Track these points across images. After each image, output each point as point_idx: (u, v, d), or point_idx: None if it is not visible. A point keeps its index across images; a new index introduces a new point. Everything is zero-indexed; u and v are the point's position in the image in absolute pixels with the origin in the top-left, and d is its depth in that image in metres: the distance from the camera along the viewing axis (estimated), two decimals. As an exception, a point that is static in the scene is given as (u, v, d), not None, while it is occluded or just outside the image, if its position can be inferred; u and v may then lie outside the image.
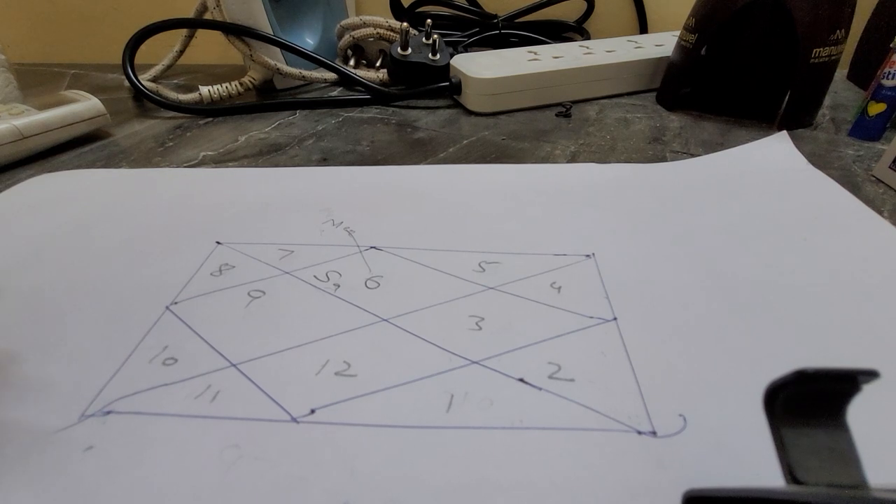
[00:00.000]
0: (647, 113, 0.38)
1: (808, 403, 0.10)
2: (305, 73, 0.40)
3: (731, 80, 0.36)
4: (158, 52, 0.41)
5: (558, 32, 0.51)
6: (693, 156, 0.30)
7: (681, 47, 0.37)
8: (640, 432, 0.14)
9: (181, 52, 0.41)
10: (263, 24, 0.37)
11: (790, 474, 0.09)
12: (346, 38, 0.43)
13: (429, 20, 0.39)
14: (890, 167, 0.27)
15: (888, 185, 0.27)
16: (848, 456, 0.09)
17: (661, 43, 0.42)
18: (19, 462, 0.13)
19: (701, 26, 0.34)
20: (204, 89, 0.37)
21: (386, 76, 0.41)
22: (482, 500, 0.12)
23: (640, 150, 0.31)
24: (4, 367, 0.16)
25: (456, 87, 0.38)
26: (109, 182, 0.27)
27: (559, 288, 0.19)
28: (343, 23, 0.43)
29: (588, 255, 0.21)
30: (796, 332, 0.17)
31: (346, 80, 0.41)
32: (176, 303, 0.18)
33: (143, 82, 0.36)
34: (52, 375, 0.15)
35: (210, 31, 0.37)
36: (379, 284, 0.19)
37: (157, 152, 0.31)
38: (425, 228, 0.23)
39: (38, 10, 0.59)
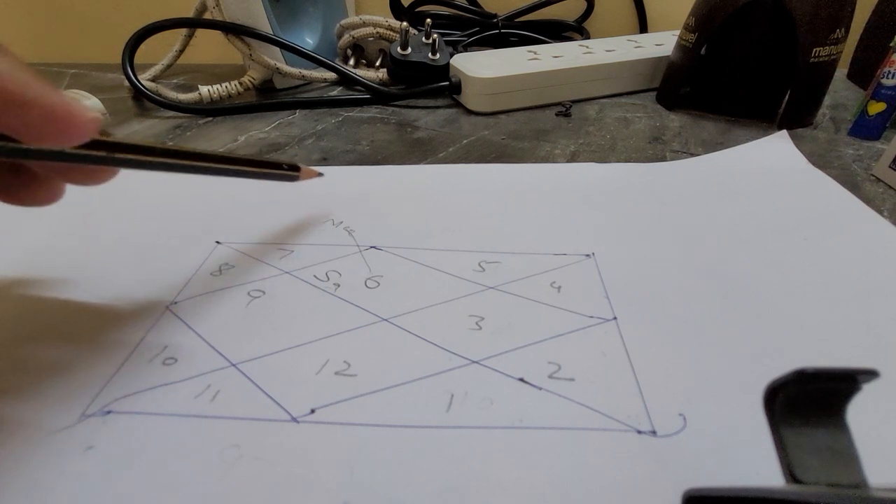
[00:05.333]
0: (646, 112, 0.38)
1: (808, 403, 0.10)
2: (305, 72, 0.40)
3: (731, 80, 0.36)
4: (158, 52, 0.41)
5: (558, 32, 0.51)
6: (693, 155, 0.30)
7: (681, 47, 0.37)
8: (639, 432, 0.14)
9: (181, 51, 0.41)
10: (263, 23, 0.37)
11: (790, 474, 0.09)
12: (346, 37, 0.43)
13: (428, 20, 0.39)
14: (890, 166, 0.27)
15: (888, 185, 0.27)
16: (848, 456, 0.09)
17: (661, 42, 0.42)
18: (20, 462, 0.13)
19: (701, 26, 0.34)
20: (203, 89, 0.37)
21: (386, 76, 0.41)
22: (482, 500, 0.12)
23: (639, 149, 0.31)
24: (4, 368, 0.16)
25: (456, 87, 0.38)
26: (109, 182, 0.27)
27: (559, 287, 0.19)
28: (343, 22, 0.43)
29: (588, 255, 0.21)
30: (796, 332, 0.17)
31: (345, 80, 0.41)
32: (176, 303, 0.18)
33: (142, 82, 0.36)
34: (52, 375, 0.15)
35: (209, 30, 0.37)
36: (379, 284, 0.19)
37: (157, 152, 0.31)
38: (425, 228, 0.23)
39: (38, 10, 0.59)
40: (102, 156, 0.14)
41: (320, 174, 0.23)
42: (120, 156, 0.15)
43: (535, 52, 0.39)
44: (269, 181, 0.21)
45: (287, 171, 0.21)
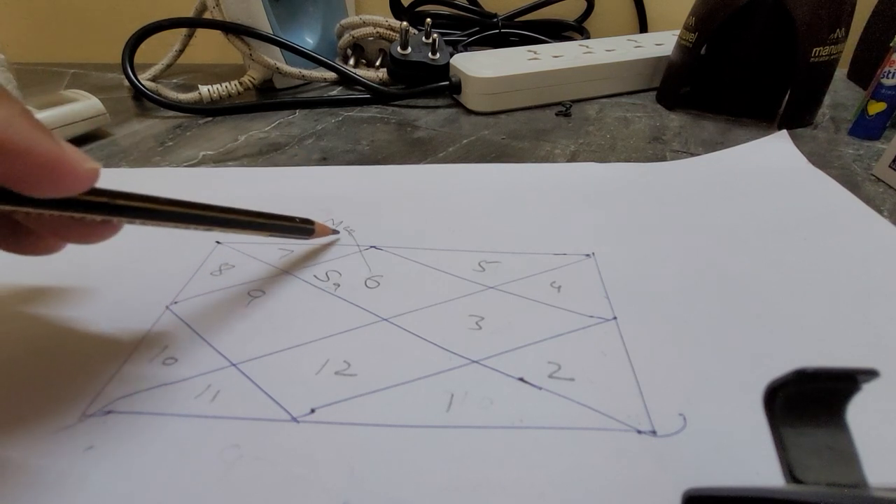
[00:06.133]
0: (646, 112, 0.38)
1: (808, 403, 0.10)
2: (305, 72, 0.40)
3: (731, 80, 0.36)
4: (158, 52, 0.41)
5: (558, 32, 0.51)
6: (693, 155, 0.30)
7: (681, 46, 0.37)
8: (639, 432, 0.14)
9: (181, 51, 0.41)
10: (263, 23, 0.37)
11: (790, 474, 0.09)
12: (346, 37, 0.43)
13: (428, 19, 0.39)
14: (890, 166, 0.27)
15: (888, 185, 0.27)
16: (848, 455, 0.09)
17: (661, 42, 0.42)
18: (20, 462, 0.13)
19: (701, 25, 0.34)
20: (203, 89, 0.37)
21: (386, 75, 0.41)
22: (482, 500, 0.12)
23: (639, 149, 0.31)
24: (5, 368, 0.16)
25: (456, 87, 0.38)
26: (109, 182, 0.27)
27: (559, 287, 0.19)
28: (343, 22, 0.43)
29: (588, 255, 0.21)
30: (796, 331, 0.17)
31: (345, 80, 0.41)
32: (176, 302, 0.18)
33: (142, 82, 0.36)
34: (52, 375, 0.15)
35: (209, 30, 0.37)
36: (379, 284, 0.19)
37: (157, 152, 0.31)
38: (425, 228, 0.23)
39: (38, 9, 0.59)
40: (103, 202, 0.13)
41: (336, 232, 0.22)
42: (122, 202, 0.14)
43: (535, 52, 0.39)
44: (282, 237, 0.19)
45: (300, 224, 0.20)
